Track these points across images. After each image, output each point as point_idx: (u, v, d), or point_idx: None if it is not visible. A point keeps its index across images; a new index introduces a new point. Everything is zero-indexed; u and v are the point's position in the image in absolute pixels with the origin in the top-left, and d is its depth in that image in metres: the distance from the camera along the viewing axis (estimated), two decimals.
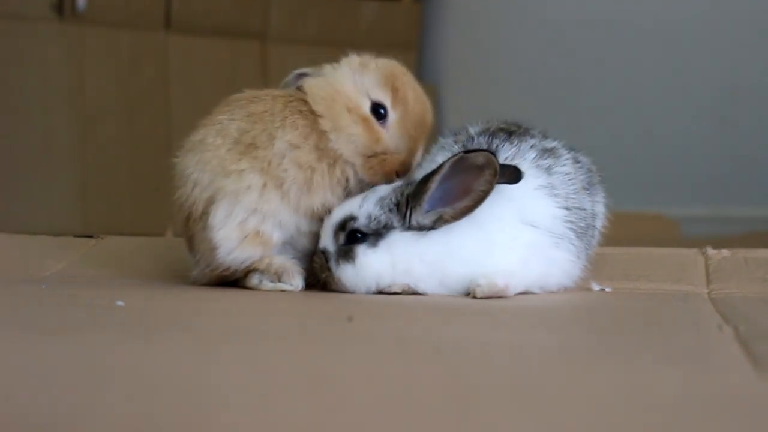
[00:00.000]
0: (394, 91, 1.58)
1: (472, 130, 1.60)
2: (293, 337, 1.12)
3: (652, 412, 0.76)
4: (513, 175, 1.48)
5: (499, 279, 1.47)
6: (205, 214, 1.53)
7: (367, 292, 1.50)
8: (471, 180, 1.45)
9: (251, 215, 1.51)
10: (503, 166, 1.46)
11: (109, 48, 3.50)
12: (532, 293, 1.53)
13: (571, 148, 1.62)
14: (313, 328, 1.20)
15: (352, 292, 1.51)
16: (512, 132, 1.58)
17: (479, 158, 1.44)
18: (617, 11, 3.83)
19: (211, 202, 1.52)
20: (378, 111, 1.57)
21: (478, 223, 1.48)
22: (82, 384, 0.83)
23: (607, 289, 1.64)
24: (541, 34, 3.96)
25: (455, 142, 1.59)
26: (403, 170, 1.58)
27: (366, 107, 1.57)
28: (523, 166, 1.51)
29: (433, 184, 1.46)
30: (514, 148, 1.54)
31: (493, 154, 1.45)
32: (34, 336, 1.08)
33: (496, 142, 1.55)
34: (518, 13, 4.03)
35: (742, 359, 0.97)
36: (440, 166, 1.46)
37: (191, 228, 1.56)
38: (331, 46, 3.90)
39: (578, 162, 1.61)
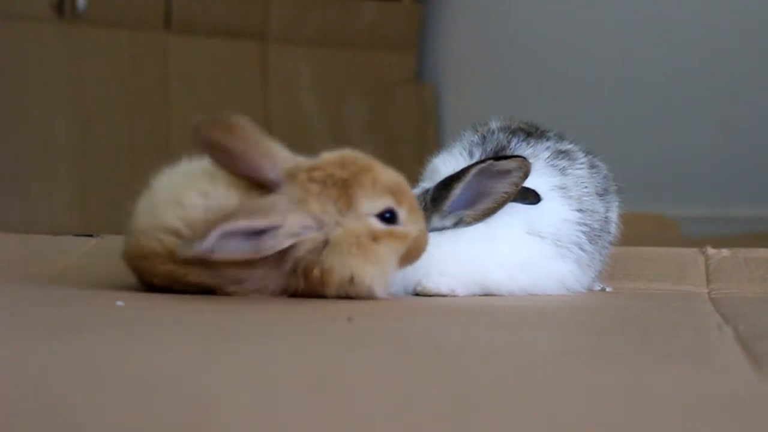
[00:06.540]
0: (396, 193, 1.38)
1: (494, 125, 1.60)
2: (293, 337, 1.12)
3: (652, 412, 0.76)
4: (533, 197, 1.48)
5: (443, 286, 1.47)
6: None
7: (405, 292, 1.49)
8: (494, 183, 1.45)
9: None
10: (525, 189, 1.46)
11: (109, 48, 3.50)
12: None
13: (588, 152, 1.62)
14: (313, 328, 1.20)
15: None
16: (530, 133, 1.58)
17: (510, 164, 1.43)
18: (617, 12, 3.83)
19: None
20: (385, 216, 1.37)
21: (484, 227, 1.48)
22: (81, 384, 0.83)
23: (607, 289, 1.64)
24: (542, 35, 3.96)
25: (475, 133, 1.58)
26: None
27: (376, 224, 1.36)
28: (537, 165, 1.51)
29: (457, 190, 1.45)
30: (530, 149, 1.54)
31: (525, 159, 1.44)
32: (34, 336, 1.08)
33: (514, 140, 1.55)
34: (518, 13, 4.03)
35: (742, 359, 0.96)
36: (465, 172, 1.45)
37: None
38: (331, 46, 3.94)
39: (594, 167, 1.60)
